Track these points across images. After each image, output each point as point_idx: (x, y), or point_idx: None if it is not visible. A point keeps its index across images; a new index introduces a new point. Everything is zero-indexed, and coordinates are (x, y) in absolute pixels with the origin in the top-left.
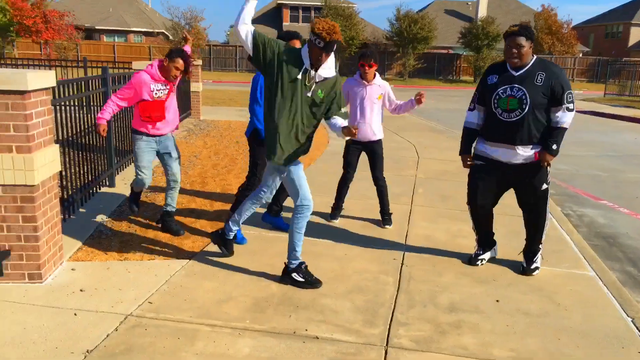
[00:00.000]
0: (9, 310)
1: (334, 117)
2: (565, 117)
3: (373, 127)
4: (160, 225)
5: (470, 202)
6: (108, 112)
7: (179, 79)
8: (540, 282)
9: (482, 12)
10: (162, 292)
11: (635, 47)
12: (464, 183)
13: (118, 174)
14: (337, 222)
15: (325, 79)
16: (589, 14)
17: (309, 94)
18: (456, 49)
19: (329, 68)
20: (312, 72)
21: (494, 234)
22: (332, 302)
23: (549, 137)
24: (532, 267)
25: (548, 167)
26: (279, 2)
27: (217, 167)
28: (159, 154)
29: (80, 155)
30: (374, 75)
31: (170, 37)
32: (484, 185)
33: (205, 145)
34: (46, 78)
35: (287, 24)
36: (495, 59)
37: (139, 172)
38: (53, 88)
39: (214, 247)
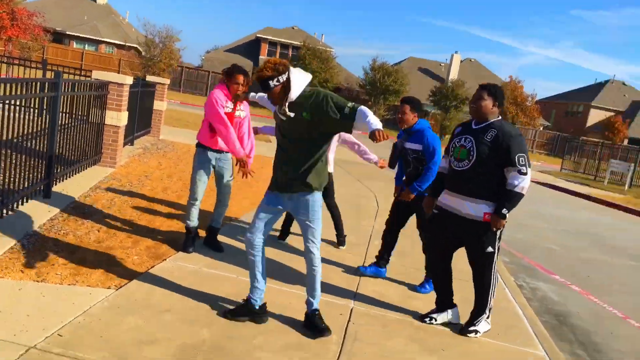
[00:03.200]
0: None
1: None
2: (517, 181)
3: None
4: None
5: (426, 249)
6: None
7: (241, 100)
8: (492, 359)
9: (454, 74)
10: (76, 324)
11: (593, 128)
12: None
13: (56, 184)
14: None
15: (299, 100)
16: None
17: (284, 118)
18: (425, 106)
19: (296, 90)
20: (282, 108)
21: (452, 294)
22: (268, 357)
23: (502, 199)
24: (471, 328)
25: (498, 231)
26: (258, 35)
27: (167, 191)
28: (214, 171)
29: (12, 158)
30: None
31: (143, 53)
32: (439, 234)
33: (160, 166)
34: None
35: (263, 57)
36: (461, 120)
37: (195, 184)
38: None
39: (145, 278)
